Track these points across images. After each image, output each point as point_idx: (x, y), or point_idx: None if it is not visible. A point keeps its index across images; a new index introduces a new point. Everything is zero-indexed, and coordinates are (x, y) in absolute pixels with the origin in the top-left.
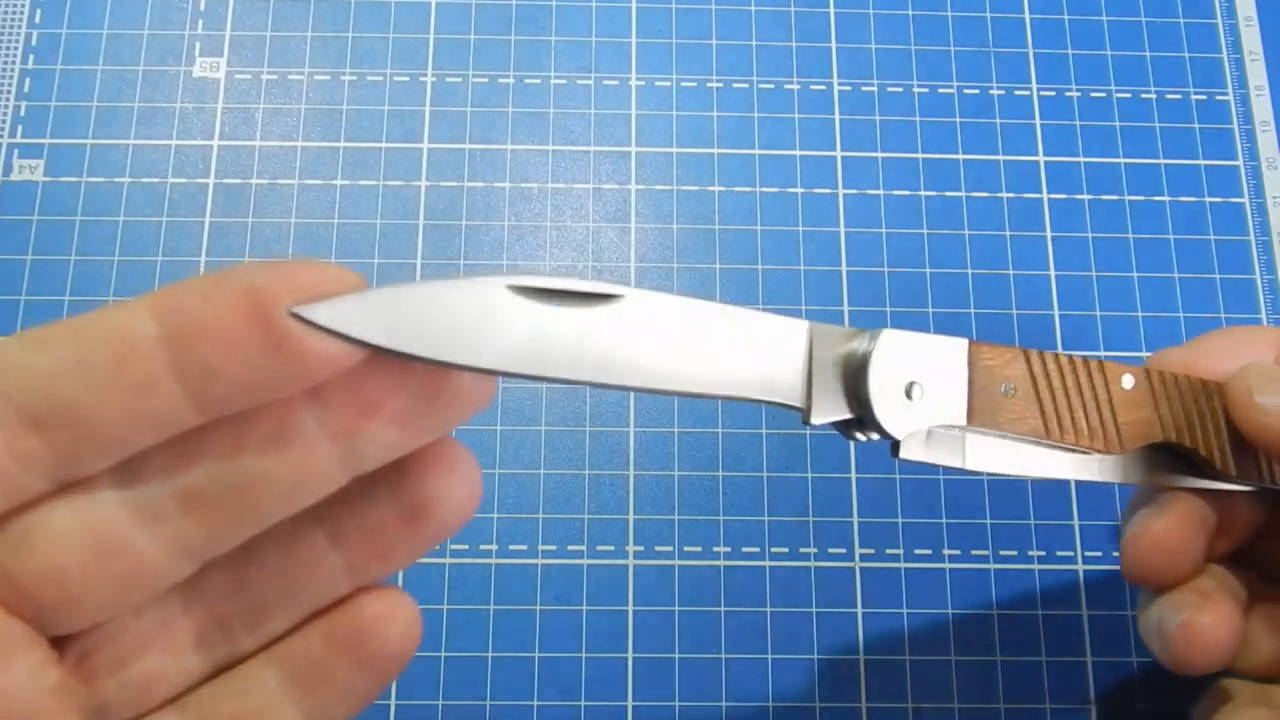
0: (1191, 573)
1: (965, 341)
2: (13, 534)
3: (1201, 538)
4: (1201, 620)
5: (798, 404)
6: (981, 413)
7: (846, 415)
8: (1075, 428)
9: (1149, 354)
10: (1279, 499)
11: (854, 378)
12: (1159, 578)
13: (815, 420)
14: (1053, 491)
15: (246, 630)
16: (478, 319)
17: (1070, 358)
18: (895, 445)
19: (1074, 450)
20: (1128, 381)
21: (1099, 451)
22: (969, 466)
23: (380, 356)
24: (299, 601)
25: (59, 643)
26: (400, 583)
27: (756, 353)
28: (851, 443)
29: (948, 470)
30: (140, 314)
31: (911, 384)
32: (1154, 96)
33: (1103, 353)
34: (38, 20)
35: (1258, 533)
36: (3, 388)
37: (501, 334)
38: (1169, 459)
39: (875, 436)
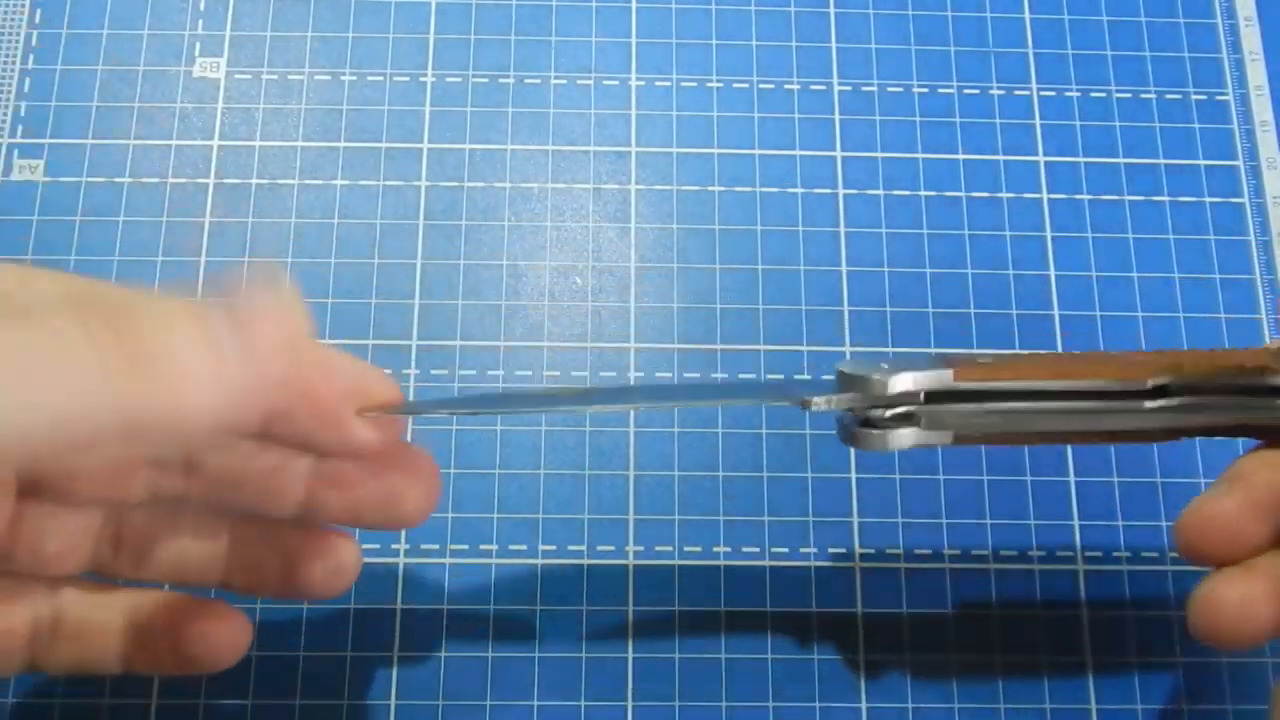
0: (1250, 554)
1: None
2: None
3: (1264, 520)
4: (1222, 593)
5: (801, 400)
6: (964, 439)
7: (845, 410)
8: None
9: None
10: None
11: (860, 407)
12: (1209, 559)
13: (814, 409)
14: (1053, 491)
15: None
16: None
17: None
18: None
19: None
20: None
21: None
22: (949, 443)
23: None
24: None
25: None
26: (399, 583)
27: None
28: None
29: (947, 470)
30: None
31: (911, 414)
32: (1154, 96)
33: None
34: (38, 20)
35: None
36: None
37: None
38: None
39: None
